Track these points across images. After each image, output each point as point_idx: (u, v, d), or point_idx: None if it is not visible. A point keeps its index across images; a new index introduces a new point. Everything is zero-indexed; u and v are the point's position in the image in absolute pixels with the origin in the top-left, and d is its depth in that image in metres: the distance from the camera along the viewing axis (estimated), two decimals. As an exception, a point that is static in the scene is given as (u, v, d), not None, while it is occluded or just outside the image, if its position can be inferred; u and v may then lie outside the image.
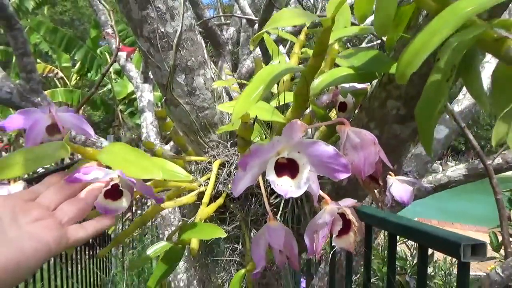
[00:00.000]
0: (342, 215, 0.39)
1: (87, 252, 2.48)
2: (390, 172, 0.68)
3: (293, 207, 0.66)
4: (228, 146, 0.71)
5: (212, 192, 0.64)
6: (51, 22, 8.98)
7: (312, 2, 2.65)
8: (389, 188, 0.70)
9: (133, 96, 5.86)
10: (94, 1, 2.23)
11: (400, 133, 0.55)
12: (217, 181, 0.66)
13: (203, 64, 0.69)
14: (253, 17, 2.01)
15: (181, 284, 1.68)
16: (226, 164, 0.68)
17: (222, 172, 0.67)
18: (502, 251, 2.25)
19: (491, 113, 0.39)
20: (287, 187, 0.35)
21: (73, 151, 0.45)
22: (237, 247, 0.69)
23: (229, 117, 0.74)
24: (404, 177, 0.71)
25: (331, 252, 1.25)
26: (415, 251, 2.82)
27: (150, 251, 0.68)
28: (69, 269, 2.11)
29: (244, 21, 2.21)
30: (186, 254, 0.76)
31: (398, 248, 3.00)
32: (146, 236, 2.99)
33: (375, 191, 0.40)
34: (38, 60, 8.31)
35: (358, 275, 1.99)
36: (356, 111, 0.63)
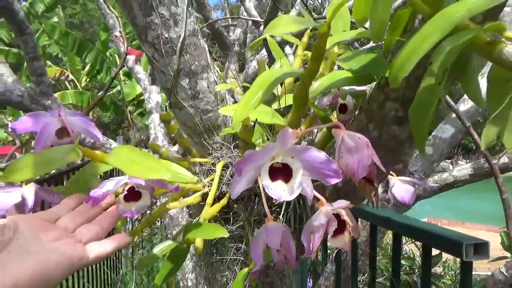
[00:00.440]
0: (337, 216, 0.41)
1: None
2: (392, 172, 0.69)
3: (295, 207, 0.68)
4: (232, 147, 0.72)
5: (216, 192, 0.65)
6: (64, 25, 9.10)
7: (320, 2, 2.65)
8: (391, 188, 0.71)
9: (142, 98, 5.92)
10: (102, 5, 2.27)
11: (399, 134, 0.56)
12: (221, 182, 0.68)
13: (206, 68, 0.71)
14: (258, 18, 2.03)
15: (190, 284, 1.71)
16: (230, 166, 0.69)
17: (226, 173, 0.68)
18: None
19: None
20: (281, 191, 0.37)
21: (82, 154, 0.47)
22: (241, 246, 0.71)
23: (232, 119, 0.75)
24: (406, 177, 0.72)
25: (336, 252, 1.26)
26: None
27: (156, 250, 0.70)
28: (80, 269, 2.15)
29: (250, 22, 2.22)
30: (193, 253, 0.78)
31: (406, 248, 2.98)
32: (155, 236, 3.03)
33: (370, 192, 0.41)
34: (49, 63, 8.42)
35: (365, 275, 1.99)
36: (356, 112, 0.64)
